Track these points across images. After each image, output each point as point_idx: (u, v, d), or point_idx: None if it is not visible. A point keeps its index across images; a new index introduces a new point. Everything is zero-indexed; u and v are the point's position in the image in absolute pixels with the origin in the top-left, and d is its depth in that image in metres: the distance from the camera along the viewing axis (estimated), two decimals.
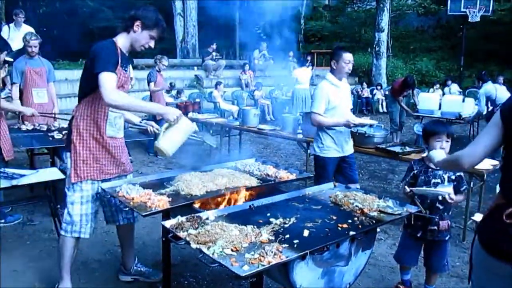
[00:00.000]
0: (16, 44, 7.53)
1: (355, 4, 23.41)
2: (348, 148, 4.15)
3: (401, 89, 8.28)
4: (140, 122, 3.44)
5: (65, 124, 5.20)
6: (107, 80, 2.52)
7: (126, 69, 2.81)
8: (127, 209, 2.67)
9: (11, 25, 7.85)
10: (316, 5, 23.66)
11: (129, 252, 3.32)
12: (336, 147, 4.03)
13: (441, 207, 2.91)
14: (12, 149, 4.15)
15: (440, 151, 2.62)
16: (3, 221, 4.22)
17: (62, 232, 2.92)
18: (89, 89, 2.70)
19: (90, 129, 2.78)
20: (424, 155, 3.08)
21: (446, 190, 2.75)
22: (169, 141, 2.82)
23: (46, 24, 14.77)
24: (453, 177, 2.90)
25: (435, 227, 2.93)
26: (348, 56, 3.90)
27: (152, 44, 2.82)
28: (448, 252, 3.09)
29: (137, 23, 2.72)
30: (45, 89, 5.53)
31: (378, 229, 3.13)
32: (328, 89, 3.95)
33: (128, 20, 2.75)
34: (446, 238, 3.00)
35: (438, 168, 2.87)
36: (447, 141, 2.90)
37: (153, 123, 3.54)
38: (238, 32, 16.59)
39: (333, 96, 3.94)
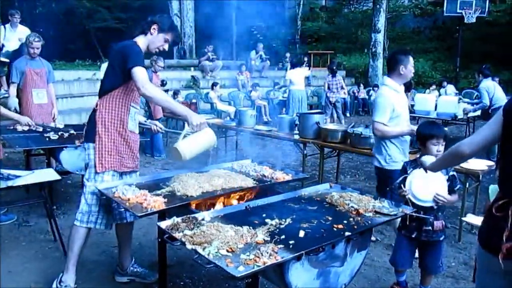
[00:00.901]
0: (12, 44, 7.53)
1: (351, 5, 23.46)
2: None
3: None
4: (145, 122, 3.54)
5: (61, 125, 5.22)
6: (141, 73, 2.74)
7: None
8: (122, 209, 2.69)
9: (7, 25, 7.83)
10: (313, 6, 23.68)
11: (126, 252, 3.34)
12: (403, 158, 3.74)
13: (435, 207, 2.92)
14: (1, 149, 4.18)
15: (430, 157, 2.66)
16: None
17: (77, 223, 2.98)
18: (117, 84, 2.88)
19: (114, 122, 2.93)
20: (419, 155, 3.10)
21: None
22: (188, 146, 2.85)
23: (42, 25, 14.72)
24: (446, 177, 2.92)
25: (430, 228, 2.94)
26: (412, 60, 3.74)
27: (166, 47, 3.04)
28: (443, 253, 3.10)
29: (154, 26, 2.96)
30: (45, 90, 5.54)
31: (373, 230, 3.14)
32: (392, 96, 3.70)
33: (145, 24, 2.99)
34: (441, 239, 3.01)
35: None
36: (443, 145, 2.91)
37: (157, 122, 3.62)
38: (235, 33, 16.58)
39: (397, 104, 3.70)
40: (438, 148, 2.91)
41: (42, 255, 3.68)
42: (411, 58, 3.71)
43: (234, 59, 17.30)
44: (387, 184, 3.67)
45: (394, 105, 3.67)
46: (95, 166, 2.90)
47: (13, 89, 5.39)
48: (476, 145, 1.91)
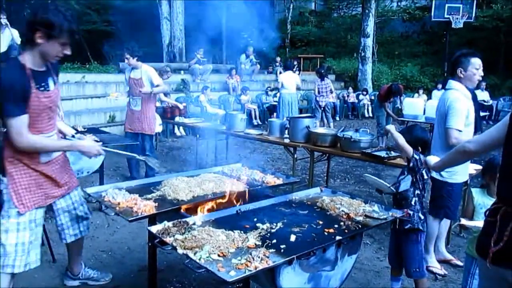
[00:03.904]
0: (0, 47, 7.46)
1: (341, 10, 23.64)
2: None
3: (386, 96, 8.44)
4: (73, 136, 3.00)
5: None
6: (13, 127, 2.36)
7: (45, 87, 2.52)
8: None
9: None
10: (302, 11, 23.82)
11: (77, 259, 3.21)
12: (465, 170, 3.48)
13: (393, 190, 2.83)
14: None
15: (433, 157, 2.67)
16: None
17: None
18: None
19: (22, 158, 2.53)
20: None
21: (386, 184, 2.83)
22: None
23: None
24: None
25: None
26: (478, 61, 3.37)
27: (68, 50, 2.52)
28: (419, 257, 2.88)
29: (38, 34, 2.35)
30: None
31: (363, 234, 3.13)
32: (466, 101, 3.36)
33: (28, 32, 2.38)
34: (406, 227, 2.81)
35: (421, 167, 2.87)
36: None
37: (90, 138, 3.08)
38: (225, 37, 16.58)
39: (470, 110, 3.37)
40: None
41: None
42: (473, 60, 3.38)
43: (224, 62, 17.31)
44: (446, 199, 3.50)
45: (468, 112, 3.37)
46: (15, 206, 2.51)
47: None
48: (482, 143, 1.92)
